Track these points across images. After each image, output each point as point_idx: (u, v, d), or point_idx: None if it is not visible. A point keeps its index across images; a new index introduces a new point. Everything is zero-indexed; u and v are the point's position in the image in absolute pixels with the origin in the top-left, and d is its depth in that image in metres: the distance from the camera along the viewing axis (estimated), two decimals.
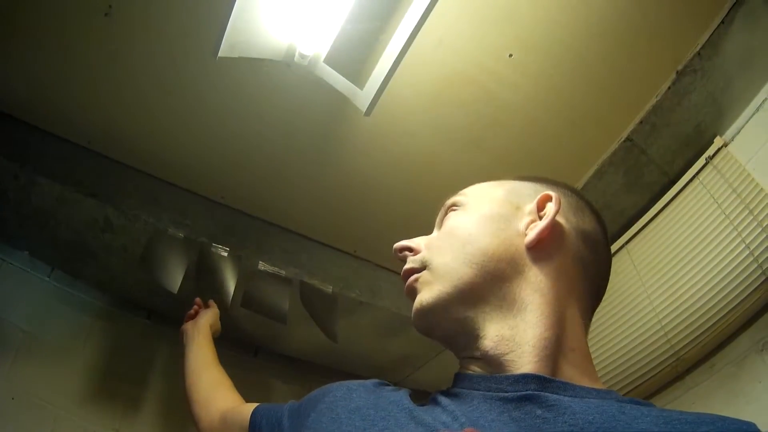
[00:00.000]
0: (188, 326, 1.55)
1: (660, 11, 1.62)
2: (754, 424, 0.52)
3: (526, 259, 0.68)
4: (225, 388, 1.24)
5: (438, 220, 0.81)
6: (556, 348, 0.63)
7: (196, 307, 1.65)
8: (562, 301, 0.67)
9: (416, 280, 0.73)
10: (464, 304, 0.67)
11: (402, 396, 0.68)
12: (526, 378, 0.59)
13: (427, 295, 0.70)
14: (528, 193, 0.75)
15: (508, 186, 0.78)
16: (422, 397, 0.69)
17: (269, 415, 0.91)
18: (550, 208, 0.70)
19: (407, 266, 0.75)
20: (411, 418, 0.61)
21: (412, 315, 0.72)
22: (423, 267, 0.73)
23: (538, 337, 0.63)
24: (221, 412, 1.11)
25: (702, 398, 1.67)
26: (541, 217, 0.71)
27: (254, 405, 0.99)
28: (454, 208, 0.78)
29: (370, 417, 0.64)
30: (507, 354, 0.62)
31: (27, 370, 1.89)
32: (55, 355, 1.97)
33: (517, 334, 0.63)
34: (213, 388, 1.25)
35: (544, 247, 0.69)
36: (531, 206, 0.73)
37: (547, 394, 0.57)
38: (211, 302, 1.69)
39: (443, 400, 0.64)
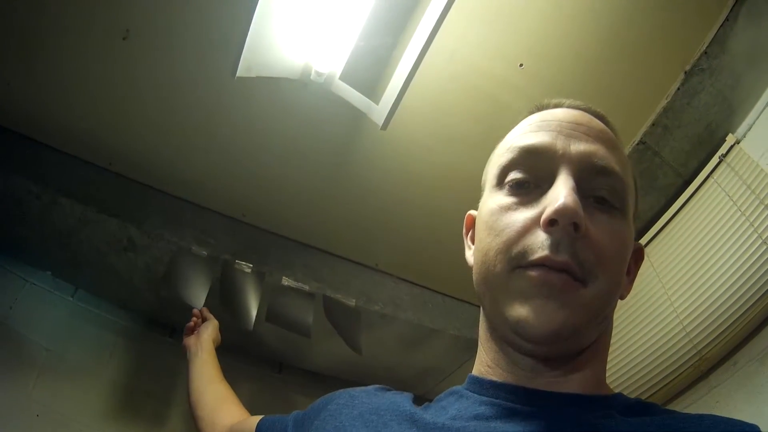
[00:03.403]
0: (191, 342, 1.57)
1: (665, 13, 1.73)
2: (758, 427, 0.53)
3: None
4: (230, 403, 1.26)
5: (572, 168, 0.63)
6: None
7: (195, 318, 1.66)
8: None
9: (570, 289, 0.58)
10: (578, 351, 0.63)
11: (404, 400, 0.70)
12: (539, 394, 0.61)
13: (572, 321, 0.58)
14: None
15: (635, 207, 0.70)
16: (425, 400, 0.72)
17: (274, 427, 0.94)
18: (637, 264, 0.71)
19: (567, 258, 0.58)
20: (412, 422, 0.64)
21: (542, 328, 0.58)
22: (584, 279, 0.59)
23: (591, 370, 0.64)
24: (227, 428, 1.14)
25: (725, 397, 1.72)
26: (629, 267, 0.68)
27: (259, 417, 1.01)
28: (614, 204, 0.63)
29: (373, 422, 0.67)
30: (558, 377, 0.63)
31: (51, 388, 1.99)
32: (78, 373, 2.08)
33: (578, 367, 0.64)
34: (218, 403, 1.27)
35: None
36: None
37: (557, 407, 0.59)
38: (207, 312, 1.70)
39: (450, 404, 0.66)
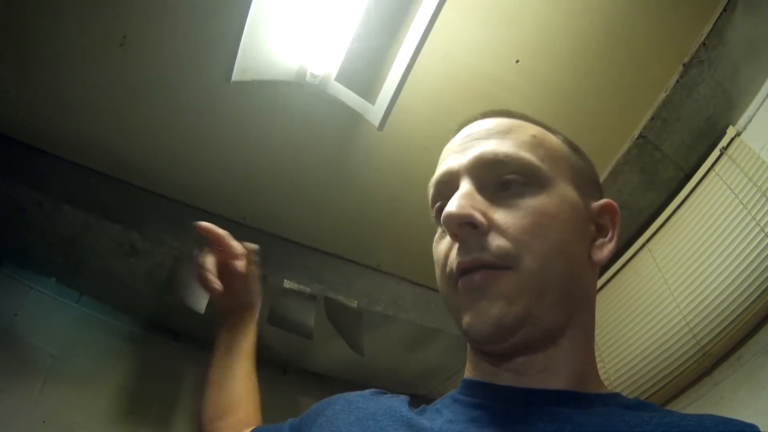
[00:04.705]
0: (232, 310, 1.09)
1: (662, 6, 1.74)
2: (757, 427, 0.53)
3: (592, 278, 0.68)
4: (238, 413, 1.01)
5: (471, 165, 0.67)
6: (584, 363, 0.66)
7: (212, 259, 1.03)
8: (594, 315, 0.69)
9: (493, 280, 0.61)
10: (547, 338, 0.63)
11: (401, 404, 0.70)
12: (535, 393, 0.62)
13: (511, 309, 0.60)
14: (592, 186, 0.72)
15: (573, 171, 0.71)
16: (426, 401, 0.73)
17: None
18: (612, 221, 0.71)
19: (475, 255, 0.61)
20: (409, 426, 0.64)
21: (483, 328, 0.61)
22: (507, 265, 0.61)
23: (578, 360, 0.64)
24: None
25: (730, 392, 1.72)
26: (602, 228, 0.70)
27: (250, 429, 0.97)
28: (523, 182, 0.65)
29: (370, 428, 0.66)
30: (542, 372, 0.63)
31: (57, 393, 2.04)
32: (84, 378, 2.12)
33: (560, 357, 0.64)
34: (225, 413, 1.01)
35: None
36: (594, 208, 0.70)
37: (551, 407, 0.60)
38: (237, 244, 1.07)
39: (444, 407, 0.67)
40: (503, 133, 0.69)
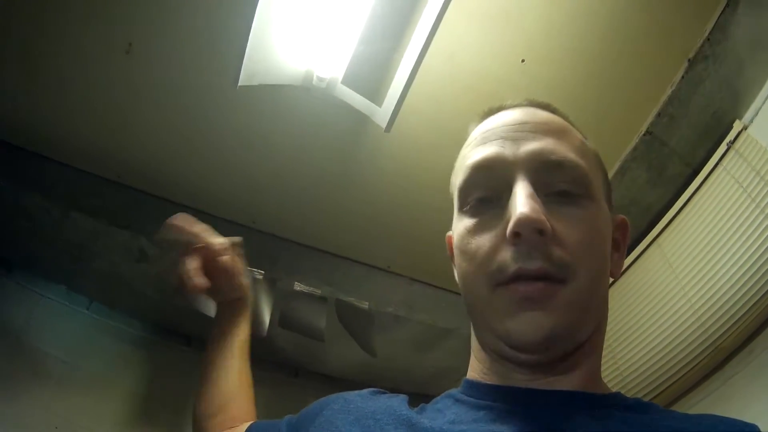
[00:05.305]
0: (224, 297, 1.12)
1: (664, 2, 1.75)
2: (757, 427, 0.55)
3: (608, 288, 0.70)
4: (229, 409, 1.01)
5: (526, 164, 0.64)
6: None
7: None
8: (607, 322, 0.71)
9: (551, 294, 0.60)
10: (576, 347, 0.64)
11: (400, 403, 0.71)
12: (537, 394, 0.63)
13: (560, 322, 0.60)
14: (610, 197, 0.73)
15: (602, 182, 0.71)
16: (422, 401, 0.74)
17: None
18: (624, 236, 0.73)
19: (540, 263, 0.59)
20: (409, 426, 0.65)
21: (533, 336, 0.60)
22: (563, 278, 0.60)
23: (590, 364, 0.66)
24: None
25: (741, 388, 1.72)
26: (615, 242, 0.71)
27: (248, 423, 0.97)
28: (578, 192, 0.64)
29: (370, 427, 0.67)
30: (556, 375, 0.64)
31: (68, 399, 2.06)
32: (95, 384, 2.14)
33: (578, 363, 0.65)
34: (217, 410, 1.02)
35: None
36: (615, 221, 0.72)
37: (556, 408, 0.61)
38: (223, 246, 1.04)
39: (446, 408, 0.68)
40: (559, 133, 0.67)
